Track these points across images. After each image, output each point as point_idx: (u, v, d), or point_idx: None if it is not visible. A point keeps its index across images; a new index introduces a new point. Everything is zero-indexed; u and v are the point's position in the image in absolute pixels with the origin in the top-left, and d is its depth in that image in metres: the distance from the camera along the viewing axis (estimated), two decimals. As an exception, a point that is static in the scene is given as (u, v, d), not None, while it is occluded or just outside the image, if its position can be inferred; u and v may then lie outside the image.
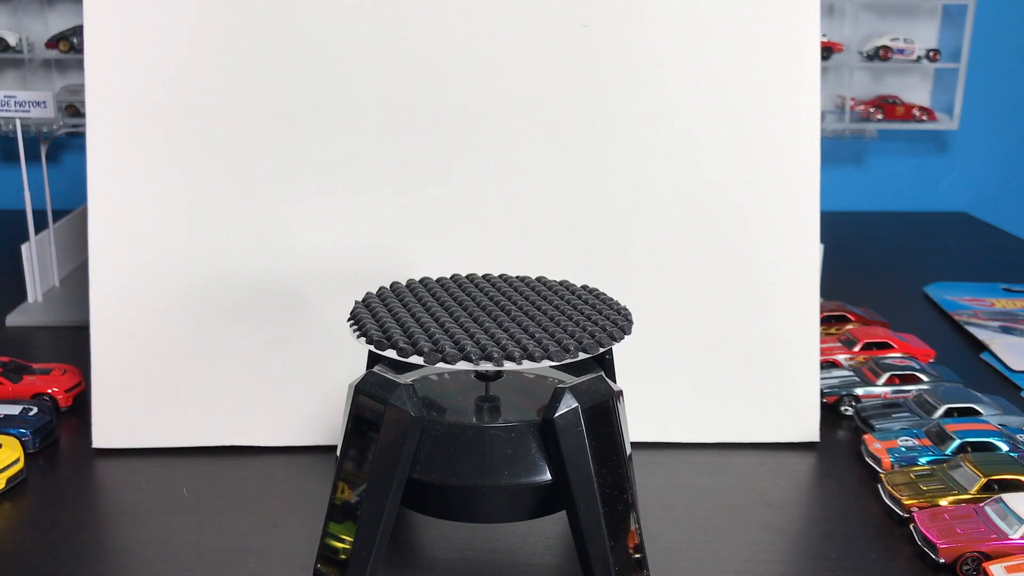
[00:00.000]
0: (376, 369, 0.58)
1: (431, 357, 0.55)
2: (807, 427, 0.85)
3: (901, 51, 1.81)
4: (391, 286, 0.66)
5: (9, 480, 0.75)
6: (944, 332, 1.13)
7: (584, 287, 0.67)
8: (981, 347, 1.08)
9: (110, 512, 0.74)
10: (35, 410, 0.83)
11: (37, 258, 1.17)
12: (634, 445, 0.80)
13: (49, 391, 0.89)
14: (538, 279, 0.68)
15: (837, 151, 1.86)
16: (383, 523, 0.56)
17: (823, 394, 0.91)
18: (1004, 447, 0.78)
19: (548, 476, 0.57)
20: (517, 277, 0.69)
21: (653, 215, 0.84)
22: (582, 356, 0.56)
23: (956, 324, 1.16)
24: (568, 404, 0.56)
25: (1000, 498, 0.69)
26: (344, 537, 0.58)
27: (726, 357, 0.85)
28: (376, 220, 0.83)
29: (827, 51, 1.71)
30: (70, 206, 1.31)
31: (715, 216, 0.83)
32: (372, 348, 0.57)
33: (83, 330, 0.87)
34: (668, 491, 0.77)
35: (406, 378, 0.57)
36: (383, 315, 0.60)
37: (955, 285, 1.31)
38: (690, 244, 0.84)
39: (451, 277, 0.68)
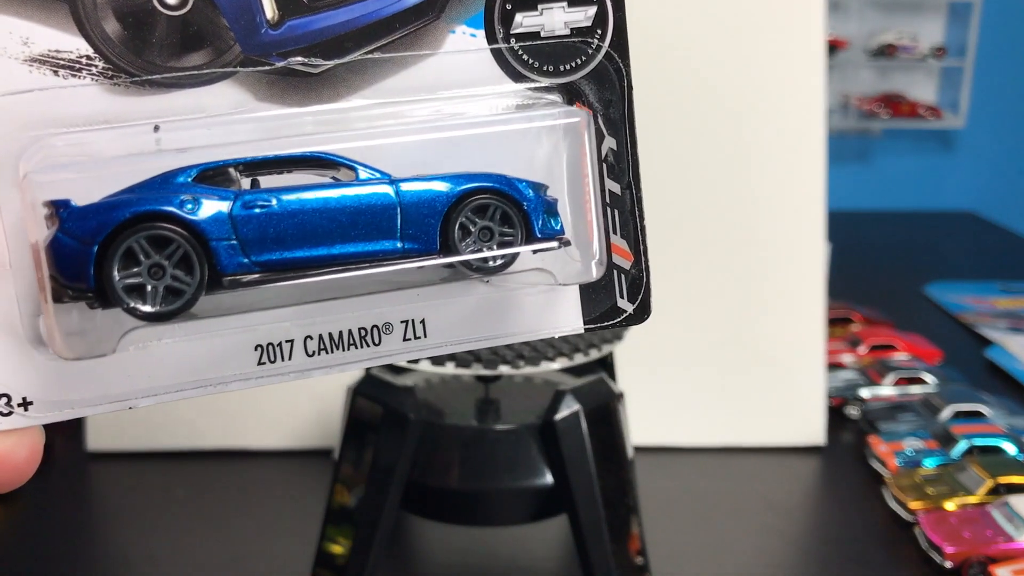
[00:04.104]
0: (374, 371, 0.57)
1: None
2: (812, 430, 0.84)
3: (907, 48, 1.80)
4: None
5: (5, 482, 0.75)
6: (950, 332, 1.13)
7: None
8: (987, 348, 1.07)
9: (104, 516, 0.74)
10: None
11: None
12: (636, 448, 0.79)
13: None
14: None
15: (842, 149, 1.86)
16: (381, 527, 0.56)
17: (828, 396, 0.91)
18: (1012, 449, 0.78)
19: (549, 479, 0.56)
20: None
21: (656, 215, 0.82)
22: (582, 359, 0.56)
23: (961, 324, 1.15)
24: (569, 407, 0.55)
25: (1006, 501, 0.69)
26: (342, 541, 0.57)
27: (730, 359, 0.84)
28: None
29: (831, 48, 1.70)
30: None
31: (719, 215, 0.83)
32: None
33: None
34: (671, 495, 0.76)
35: (405, 380, 0.56)
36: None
37: (954, 284, 1.30)
38: (693, 244, 0.83)
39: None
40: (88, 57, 0.31)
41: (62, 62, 0.31)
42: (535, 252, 0.35)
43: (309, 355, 0.34)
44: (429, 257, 0.33)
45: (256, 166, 0.32)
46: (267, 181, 0.33)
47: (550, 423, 0.55)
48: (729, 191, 0.82)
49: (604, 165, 0.36)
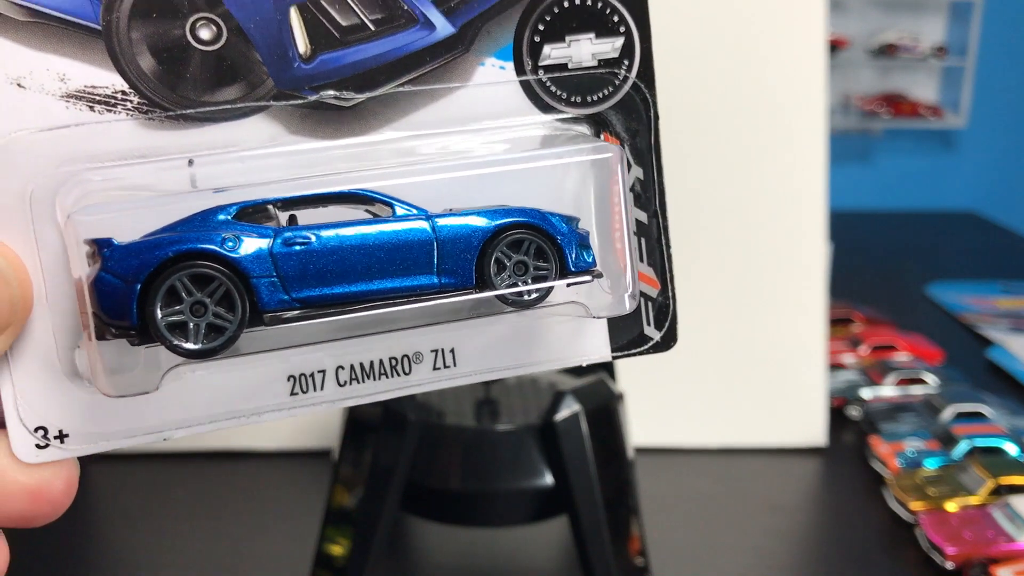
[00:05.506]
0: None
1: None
2: (813, 431, 0.84)
3: (908, 48, 1.80)
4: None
5: (4, 482, 0.75)
6: (951, 333, 1.12)
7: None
8: (988, 348, 1.07)
9: (101, 516, 0.73)
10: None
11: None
12: (637, 449, 0.79)
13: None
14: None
15: (843, 149, 1.85)
16: (381, 528, 0.55)
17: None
18: (1013, 450, 0.77)
19: (549, 480, 0.56)
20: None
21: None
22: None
23: (962, 325, 1.15)
24: (570, 407, 0.55)
25: (1008, 502, 0.68)
26: (341, 542, 0.57)
27: (731, 359, 0.84)
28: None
29: (832, 47, 1.70)
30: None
31: (720, 215, 0.82)
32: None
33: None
34: (672, 496, 0.76)
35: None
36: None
37: (955, 284, 1.30)
38: (694, 244, 0.83)
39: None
40: (123, 92, 0.32)
41: (98, 98, 0.32)
42: (568, 286, 0.35)
43: (341, 385, 0.34)
44: (465, 292, 0.34)
45: (295, 203, 0.32)
46: (304, 215, 0.33)
47: (550, 424, 0.55)
48: (730, 191, 0.82)
49: (631, 194, 0.36)
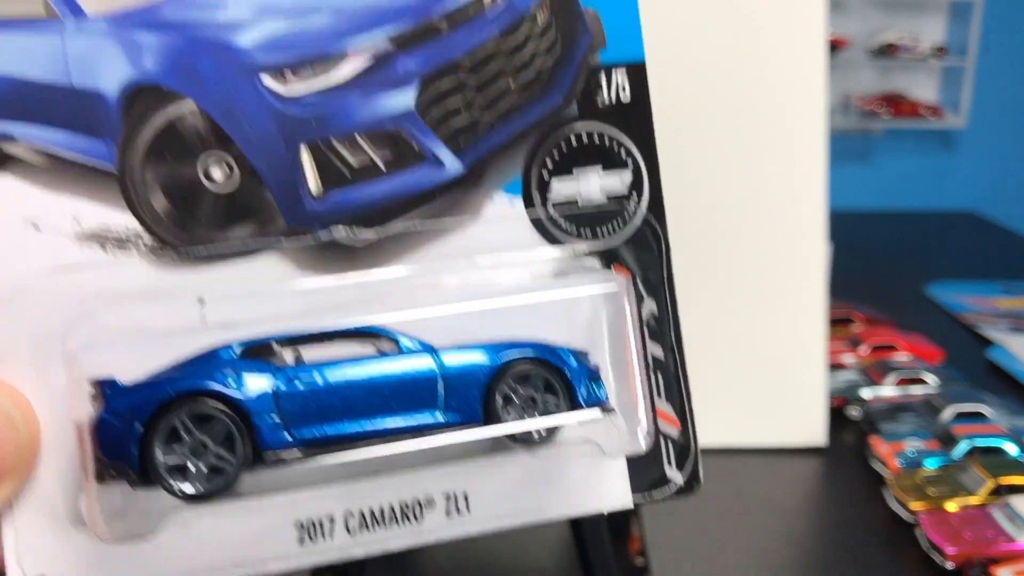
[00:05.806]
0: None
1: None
2: (814, 431, 0.84)
3: (908, 47, 1.80)
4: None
5: None
6: (951, 333, 1.12)
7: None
8: (988, 348, 1.07)
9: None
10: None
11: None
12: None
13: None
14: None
15: (843, 149, 1.86)
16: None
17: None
18: (1013, 450, 0.77)
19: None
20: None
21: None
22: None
23: (962, 325, 1.15)
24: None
25: (1008, 502, 0.68)
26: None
27: (731, 359, 0.84)
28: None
29: (832, 47, 1.70)
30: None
31: (720, 216, 0.82)
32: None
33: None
34: (671, 494, 0.76)
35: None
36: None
37: (955, 284, 1.30)
38: (694, 244, 0.83)
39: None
40: (136, 233, 0.32)
41: (111, 238, 0.32)
42: (579, 423, 0.35)
43: (350, 533, 0.34)
44: (471, 429, 0.33)
45: (299, 340, 0.32)
46: (309, 351, 0.33)
47: (550, 424, 0.55)
48: (730, 191, 0.82)
49: (646, 329, 0.36)
